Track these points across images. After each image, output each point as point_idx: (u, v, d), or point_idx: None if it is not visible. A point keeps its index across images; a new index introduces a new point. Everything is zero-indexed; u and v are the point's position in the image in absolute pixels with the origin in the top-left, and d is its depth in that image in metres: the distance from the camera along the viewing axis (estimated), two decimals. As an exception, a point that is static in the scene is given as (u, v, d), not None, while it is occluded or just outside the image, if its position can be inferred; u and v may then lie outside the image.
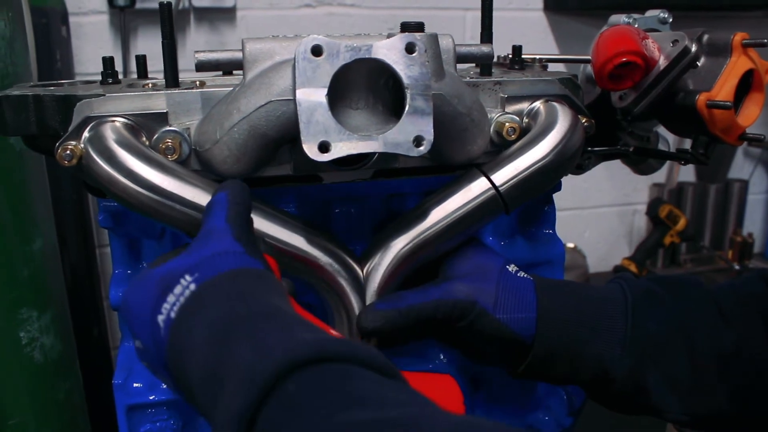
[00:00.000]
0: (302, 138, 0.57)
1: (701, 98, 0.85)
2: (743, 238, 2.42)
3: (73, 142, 0.62)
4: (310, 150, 0.57)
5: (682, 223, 2.29)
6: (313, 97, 0.57)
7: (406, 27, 0.63)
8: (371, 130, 0.60)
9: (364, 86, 0.61)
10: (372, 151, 0.58)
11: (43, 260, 1.06)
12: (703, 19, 2.07)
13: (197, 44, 1.87)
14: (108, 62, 0.76)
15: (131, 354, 0.74)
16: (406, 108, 0.58)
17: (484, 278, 0.68)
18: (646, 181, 2.43)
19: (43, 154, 0.76)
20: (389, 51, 0.58)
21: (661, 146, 1.10)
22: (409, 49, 0.58)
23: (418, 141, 0.59)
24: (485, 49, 0.69)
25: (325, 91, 0.57)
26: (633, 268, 2.25)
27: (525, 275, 0.70)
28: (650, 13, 0.98)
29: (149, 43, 1.81)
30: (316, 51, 0.57)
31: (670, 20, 0.98)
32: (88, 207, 1.70)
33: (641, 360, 0.67)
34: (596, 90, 0.96)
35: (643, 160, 1.11)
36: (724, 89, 0.86)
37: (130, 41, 1.80)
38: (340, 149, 0.57)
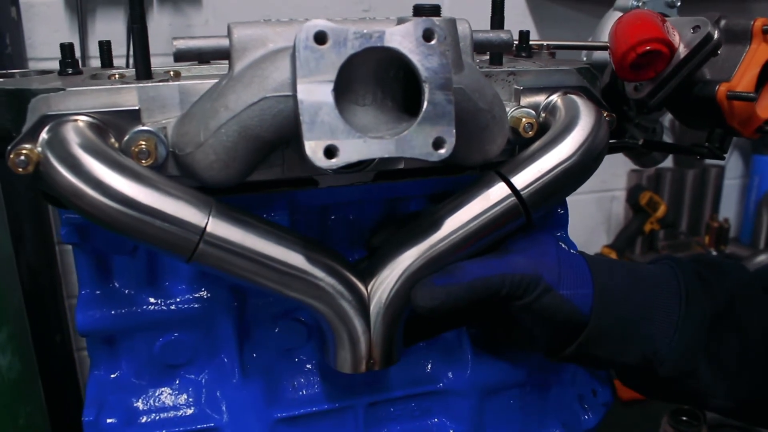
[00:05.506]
0: (305, 141, 0.48)
1: (721, 89, 0.79)
2: (719, 224, 2.41)
3: (29, 146, 0.53)
4: (315, 155, 0.48)
5: (662, 210, 2.27)
6: (316, 92, 0.48)
7: (420, 10, 0.54)
8: (382, 131, 0.52)
9: (371, 78, 0.53)
10: (386, 155, 0.50)
11: (-5, 272, 0.95)
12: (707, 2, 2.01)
13: (160, 26, 1.76)
14: (67, 50, 0.66)
15: (102, 385, 0.65)
16: (425, 105, 0.50)
17: (544, 253, 0.63)
18: (624, 167, 2.39)
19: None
20: (404, 38, 0.50)
21: (665, 137, 1.04)
22: (427, 36, 0.50)
23: (438, 143, 0.51)
24: (504, 36, 0.62)
25: (331, 85, 0.48)
26: (614, 256, 2.22)
27: (574, 251, 0.67)
28: (657, -5, 0.92)
29: (109, 26, 1.68)
30: (320, 38, 0.48)
31: (679, 3, 0.92)
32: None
33: (693, 343, 0.65)
34: (604, 79, 0.89)
35: (647, 152, 1.05)
36: (744, 79, 0.80)
37: (88, 24, 1.67)
38: (350, 154, 0.49)
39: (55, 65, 0.75)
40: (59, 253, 1.70)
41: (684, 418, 1.37)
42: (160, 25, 1.76)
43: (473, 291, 0.59)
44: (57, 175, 0.51)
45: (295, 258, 0.56)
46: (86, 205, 0.51)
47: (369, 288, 0.60)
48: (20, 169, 0.53)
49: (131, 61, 1.65)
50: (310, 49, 0.48)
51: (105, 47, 0.74)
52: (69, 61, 0.67)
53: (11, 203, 1.17)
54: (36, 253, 1.49)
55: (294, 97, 0.49)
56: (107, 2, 1.67)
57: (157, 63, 0.65)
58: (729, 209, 2.61)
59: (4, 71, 0.70)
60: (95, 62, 1.76)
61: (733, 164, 2.58)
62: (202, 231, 0.53)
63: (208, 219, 0.53)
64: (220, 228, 0.53)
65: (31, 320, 1.16)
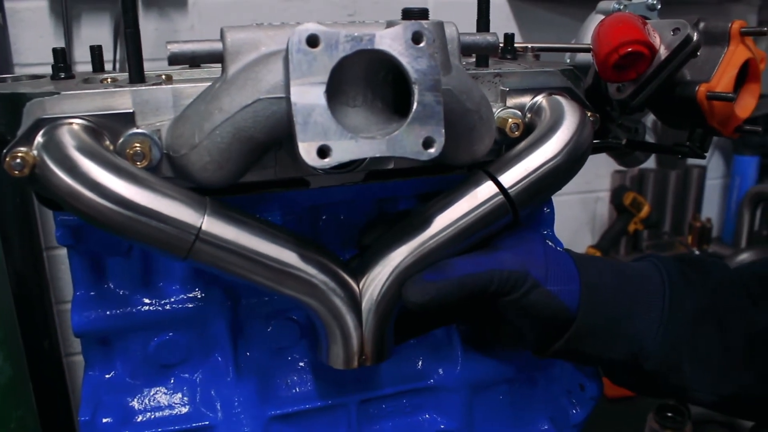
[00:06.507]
0: (298, 141, 0.50)
1: (701, 89, 0.82)
2: (702, 223, 2.45)
3: (24, 149, 0.53)
4: (308, 155, 0.50)
5: (645, 211, 2.30)
6: (309, 94, 0.50)
7: (408, 14, 0.56)
8: (373, 131, 0.53)
9: (362, 80, 0.54)
10: (377, 155, 0.51)
11: (-14, 276, 0.95)
12: (686, 5, 2.04)
13: (146, 31, 1.75)
14: (60, 54, 0.67)
15: (97, 385, 0.66)
16: (414, 106, 0.52)
17: (531, 250, 0.65)
18: (607, 168, 2.42)
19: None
20: (394, 41, 0.51)
21: (648, 137, 1.06)
22: (416, 39, 0.51)
23: (427, 143, 0.52)
24: (490, 38, 0.63)
25: (324, 87, 0.50)
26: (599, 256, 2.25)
27: (560, 249, 0.68)
28: (638, -2, 0.94)
29: (94, 31, 1.68)
30: (312, 41, 0.49)
31: (659, 6, 0.94)
32: (33, 206, 1.57)
33: (677, 338, 0.66)
34: (587, 80, 0.91)
35: (630, 152, 1.08)
36: (723, 80, 0.82)
37: (73, 29, 1.67)
38: (342, 154, 0.50)
39: (41, 70, 0.76)
40: (47, 259, 1.70)
41: (669, 415, 1.40)
42: (146, 30, 1.75)
43: (463, 287, 0.60)
44: (54, 177, 0.52)
45: (288, 255, 0.57)
46: (83, 207, 0.52)
47: (361, 285, 0.61)
48: (16, 172, 0.53)
49: (118, 65, 1.65)
50: (303, 52, 0.49)
51: (96, 51, 0.74)
52: (62, 65, 0.67)
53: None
54: (23, 258, 1.48)
55: (287, 99, 0.50)
56: (92, 8, 1.67)
57: (156, 70, 0.66)
58: (711, 209, 2.66)
59: (-4, 76, 0.70)
60: (80, 67, 1.76)
61: (714, 165, 2.62)
62: (198, 230, 0.54)
63: (204, 218, 0.54)
64: (215, 226, 0.54)
65: (19, 326, 1.16)
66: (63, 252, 1.75)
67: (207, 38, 0.55)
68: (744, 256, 2.30)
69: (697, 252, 2.41)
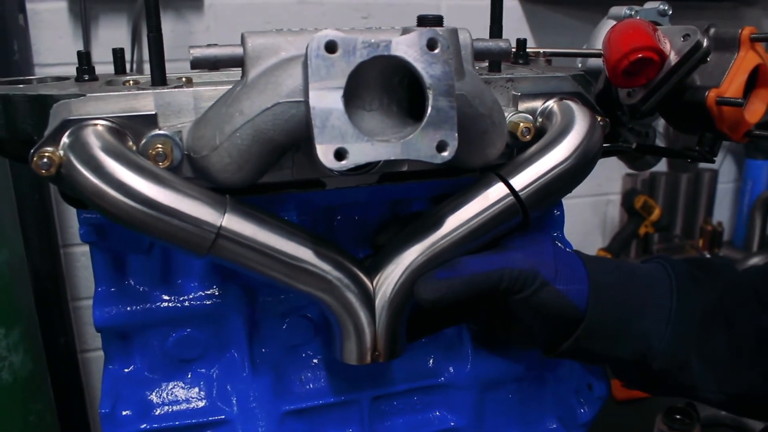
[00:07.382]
0: (316, 144, 0.51)
1: (711, 94, 0.82)
2: (713, 227, 2.44)
3: (51, 149, 0.56)
4: (325, 157, 0.51)
5: (656, 214, 2.30)
6: (327, 98, 0.51)
7: (423, 21, 0.57)
8: (388, 135, 0.55)
9: (377, 85, 0.56)
10: (392, 158, 0.53)
11: (9, 273, 0.97)
12: (697, 11, 2.04)
13: (163, 33, 1.78)
14: (84, 57, 0.69)
15: (117, 379, 0.68)
16: (428, 110, 0.53)
17: (541, 250, 0.66)
18: (618, 171, 2.43)
19: (11, 160, 0.69)
20: (409, 47, 0.53)
21: (658, 142, 1.07)
22: (431, 45, 0.53)
23: (441, 146, 0.54)
24: (503, 44, 0.65)
25: (341, 92, 0.51)
26: (609, 259, 2.25)
27: (569, 250, 0.70)
28: (649, 4, 0.95)
29: (112, 33, 1.71)
30: (331, 47, 0.51)
31: (670, 12, 0.95)
32: (51, 205, 1.60)
33: (685, 338, 0.67)
34: (598, 85, 0.92)
35: (640, 156, 1.09)
36: (733, 85, 0.83)
37: (91, 31, 1.69)
38: (358, 156, 0.52)
39: (61, 71, 0.78)
40: (64, 256, 1.73)
41: (678, 417, 1.40)
42: (162, 32, 1.78)
43: (473, 284, 0.62)
44: (80, 176, 0.54)
45: (304, 252, 0.59)
46: (108, 205, 0.53)
47: (374, 282, 0.63)
48: (43, 171, 0.55)
49: (135, 66, 1.68)
50: (321, 57, 0.51)
51: (118, 54, 0.76)
52: (86, 68, 0.69)
53: (18, 208, 1.19)
54: (41, 256, 1.51)
55: (306, 102, 0.52)
56: (110, 10, 1.70)
57: (175, 72, 0.68)
58: (722, 213, 2.65)
59: (22, 78, 0.72)
60: (98, 67, 1.78)
61: (726, 168, 2.62)
62: (219, 227, 0.56)
63: (224, 216, 0.56)
64: (235, 224, 0.56)
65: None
66: (79, 250, 1.77)
67: (223, 40, 0.57)
68: (755, 260, 2.29)
69: (708, 256, 2.41)
